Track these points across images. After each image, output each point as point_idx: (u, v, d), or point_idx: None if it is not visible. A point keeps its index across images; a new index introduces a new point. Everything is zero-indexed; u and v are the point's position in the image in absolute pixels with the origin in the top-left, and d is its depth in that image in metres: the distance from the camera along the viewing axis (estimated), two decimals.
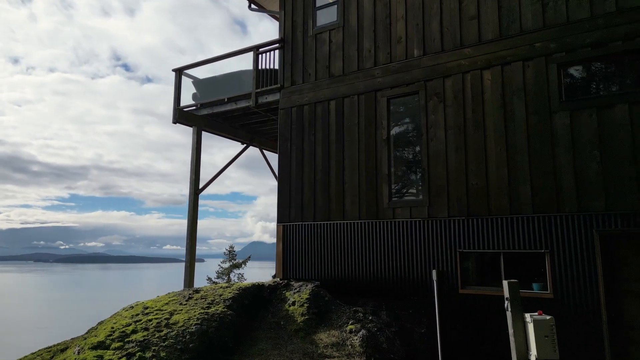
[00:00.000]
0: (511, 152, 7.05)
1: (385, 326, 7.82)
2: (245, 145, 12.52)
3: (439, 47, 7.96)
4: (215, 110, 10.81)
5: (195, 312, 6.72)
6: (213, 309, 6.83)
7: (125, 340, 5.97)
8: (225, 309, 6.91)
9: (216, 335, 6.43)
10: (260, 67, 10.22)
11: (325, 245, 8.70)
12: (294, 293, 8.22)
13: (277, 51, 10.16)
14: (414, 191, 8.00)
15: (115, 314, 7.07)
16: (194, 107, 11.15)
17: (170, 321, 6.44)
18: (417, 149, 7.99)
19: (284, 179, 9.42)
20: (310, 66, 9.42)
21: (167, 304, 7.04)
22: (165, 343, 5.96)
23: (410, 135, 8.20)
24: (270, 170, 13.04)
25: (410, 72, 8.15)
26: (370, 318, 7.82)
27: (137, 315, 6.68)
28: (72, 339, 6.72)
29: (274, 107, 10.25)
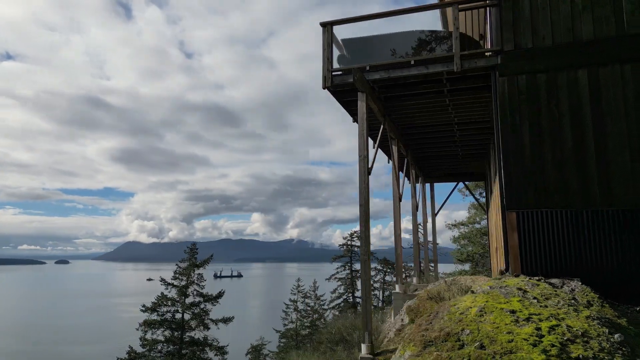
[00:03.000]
0: None
1: None
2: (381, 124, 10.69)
3: None
4: (391, 75, 8.98)
5: (577, 316, 5.14)
6: (585, 312, 5.30)
7: None
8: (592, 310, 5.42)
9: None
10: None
11: (582, 237, 7.48)
12: (568, 293, 6.90)
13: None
14: None
15: (460, 320, 5.15)
16: (341, 72, 9.22)
17: (584, 332, 4.79)
18: None
19: (514, 157, 7.97)
20: (544, 28, 8.13)
21: (528, 306, 5.32)
22: None
23: None
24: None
25: None
26: None
27: (519, 322, 4.90)
28: None
29: (471, 75, 8.79)
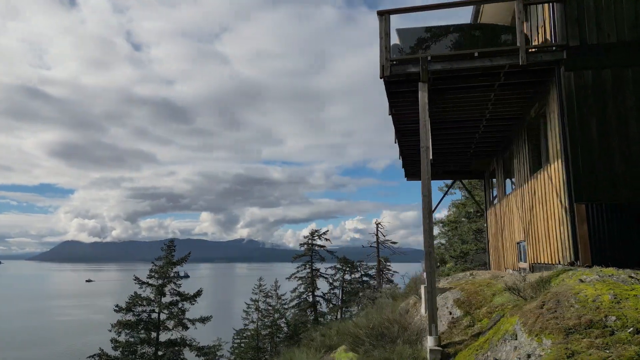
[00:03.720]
0: None
1: None
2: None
3: None
4: (454, 66, 8.94)
5: None
6: None
7: None
8: None
9: None
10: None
11: None
12: None
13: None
14: None
15: (598, 307, 5.13)
16: (395, 62, 9.13)
17: None
18: None
19: (582, 151, 8.14)
20: (609, 25, 8.35)
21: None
22: None
23: None
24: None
25: None
26: None
27: None
28: None
29: (531, 69, 8.90)
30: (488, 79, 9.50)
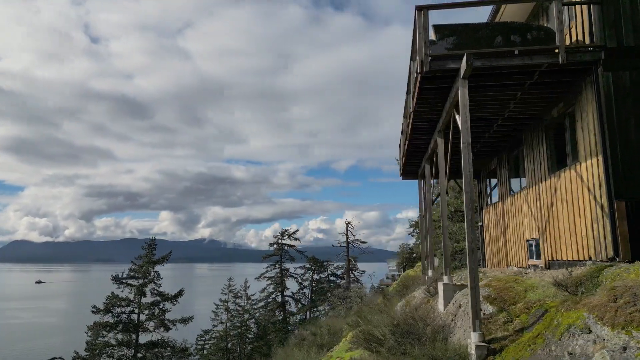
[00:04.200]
0: None
1: None
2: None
3: None
4: (493, 64, 8.99)
5: None
6: None
7: None
8: None
9: None
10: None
11: None
12: None
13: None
14: None
15: None
16: (430, 58, 9.14)
17: None
18: None
19: (620, 149, 8.37)
20: None
21: None
22: None
23: None
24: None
25: None
26: None
27: None
28: None
29: (566, 69, 9.07)
30: (522, 77, 9.60)
